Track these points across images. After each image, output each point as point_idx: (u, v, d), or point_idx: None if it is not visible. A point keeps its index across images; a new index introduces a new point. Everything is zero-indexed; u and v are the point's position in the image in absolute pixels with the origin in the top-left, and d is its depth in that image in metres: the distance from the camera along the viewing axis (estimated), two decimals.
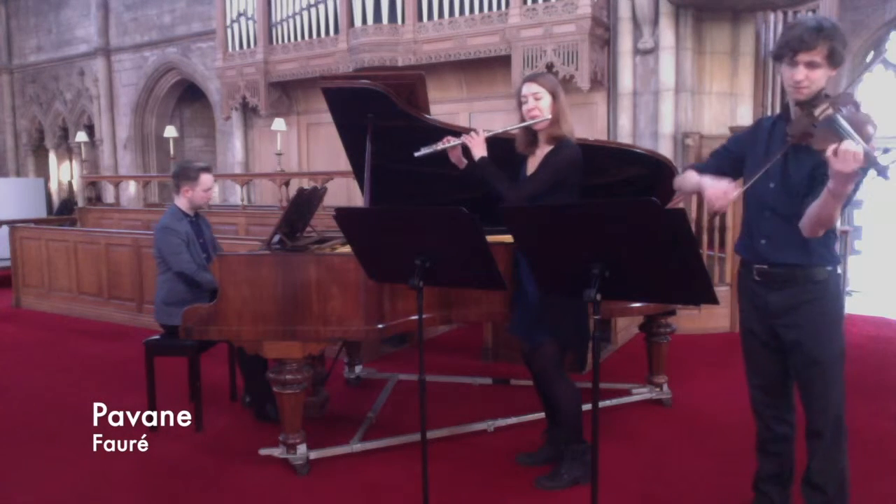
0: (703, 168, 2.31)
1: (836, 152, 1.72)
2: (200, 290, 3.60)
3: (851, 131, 1.75)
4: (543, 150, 2.80)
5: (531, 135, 2.83)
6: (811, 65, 1.96)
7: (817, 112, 1.91)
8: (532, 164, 2.83)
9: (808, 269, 2.10)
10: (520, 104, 2.80)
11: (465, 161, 2.85)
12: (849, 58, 8.39)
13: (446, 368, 4.51)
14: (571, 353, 2.89)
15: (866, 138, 1.76)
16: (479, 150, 2.78)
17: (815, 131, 1.89)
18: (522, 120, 2.79)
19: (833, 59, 1.96)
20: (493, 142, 2.84)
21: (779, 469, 2.37)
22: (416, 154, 2.80)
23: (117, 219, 8.60)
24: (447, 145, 2.79)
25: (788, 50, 1.98)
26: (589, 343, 2.83)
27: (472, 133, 2.82)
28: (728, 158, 2.28)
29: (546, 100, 2.74)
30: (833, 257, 2.13)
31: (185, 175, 3.73)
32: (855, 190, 1.89)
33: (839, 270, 2.15)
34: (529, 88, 2.76)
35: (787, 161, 2.09)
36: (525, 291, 2.80)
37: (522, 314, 2.86)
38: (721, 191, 2.09)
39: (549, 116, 2.73)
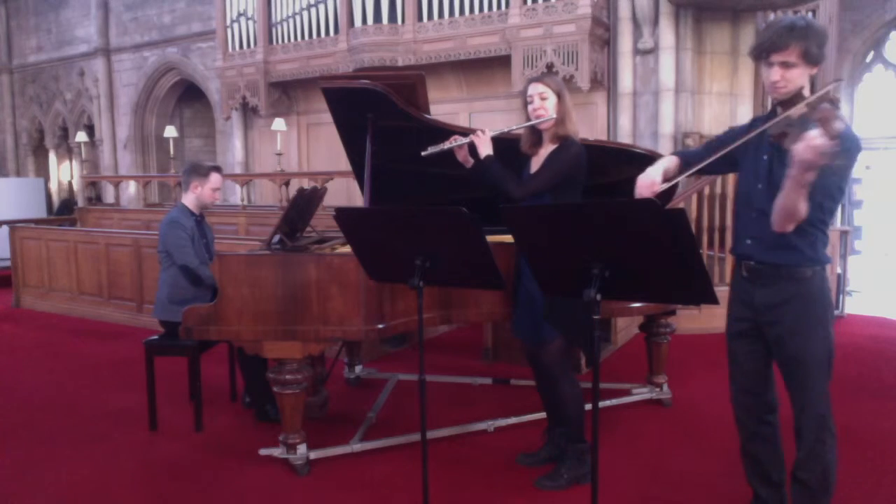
0: (686, 154, 2.39)
1: (802, 139, 1.77)
2: (204, 288, 3.61)
3: (819, 128, 1.80)
4: (547, 149, 2.82)
5: (536, 134, 2.86)
6: (785, 65, 1.99)
7: (794, 111, 1.95)
8: (536, 164, 2.85)
9: (792, 268, 2.13)
10: (525, 104, 2.83)
11: (471, 160, 2.86)
12: (848, 57, 8.42)
13: (446, 368, 4.52)
14: (581, 350, 2.89)
15: (832, 134, 1.78)
16: (485, 149, 2.80)
17: (791, 130, 1.92)
18: (528, 120, 2.82)
19: (809, 58, 1.98)
20: (497, 141, 2.85)
21: (761, 469, 2.38)
22: (423, 153, 2.80)
23: (117, 219, 8.61)
24: (454, 144, 2.81)
25: (763, 51, 2.02)
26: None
27: (479, 132, 2.83)
28: (720, 149, 2.23)
29: (551, 100, 2.77)
30: (819, 258, 2.13)
31: (196, 171, 3.75)
32: (842, 185, 1.96)
33: (827, 271, 2.17)
34: (535, 89, 2.78)
35: (773, 162, 2.13)
36: (527, 291, 2.80)
37: (525, 313, 2.85)
38: (648, 181, 2.19)
39: (555, 116, 2.76)
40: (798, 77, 2.00)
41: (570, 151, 2.75)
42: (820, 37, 1.99)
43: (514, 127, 2.89)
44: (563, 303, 2.62)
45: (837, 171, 1.94)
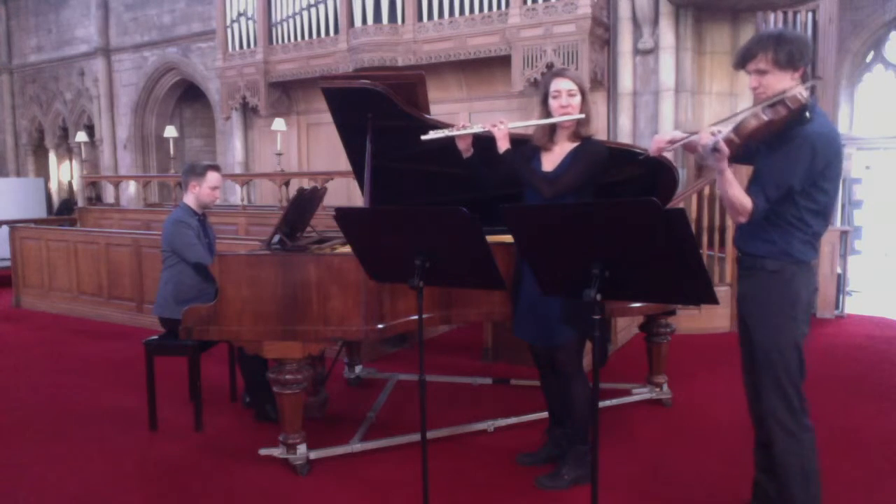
0: None
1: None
2: (209, 284, 3.60)
3: (730, 127, 2.08)
4: (564, 146, 2.78)
5: (551, 130, 2.80)
6: (759, 72, 2.16)
7: (746, 111, 2.13)
8: (549, 159, 2.79)
9: (763, 259, 2.23)
10: (545, 98, 2.76)
11: (471, 150, 2.81)
12: (848, 57, 8.42)
13: (446, 368, 4.52)
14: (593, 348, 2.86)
15: (741, 131, 2.05)
16: (505, 143, 2.74)
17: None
18: (547, 114, 2.76)
19: (779, 64, 2.12)
20: (484, 137, 2.79)
21: (770, 462, 2.38)
22: (424, 137, 2.75)
23: (117, 219, 8.61)
24: (463, 132, 2.75)
25: (738, 63, 2.22)
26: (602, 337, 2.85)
27: (498, 123, 2.76)
28: None
29: (578, 97, 2.73)
30: (792, 254, 2.19)
31: (193, 171, 3.76)
32: (821, 183, 2.12)
33: (806, 271, 2.22)
34: (565, 84, 2.72)
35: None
36: (533, 292, 2.71)
37: (531, 315, 2.80)
38: (667, 137, 2.32)
39: (583, 115, 2.72)
40: (775, 81, 2.14)
41: (596, 151, 2.73)
42: (792, 43, 2.13)
43: (537, 122, 2.80)
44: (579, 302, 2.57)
45: (786, 165, 2.10)
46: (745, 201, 2.13)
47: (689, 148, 2.31)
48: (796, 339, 2.22)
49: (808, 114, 2.08)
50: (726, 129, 2.06)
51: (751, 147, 2.23)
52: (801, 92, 2.06)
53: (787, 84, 2.13)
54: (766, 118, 2.05)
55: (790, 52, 2.11)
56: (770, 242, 2.22)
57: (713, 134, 2.06)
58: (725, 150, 2.03)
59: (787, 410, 2.23)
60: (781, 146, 2.12)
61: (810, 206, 2.15)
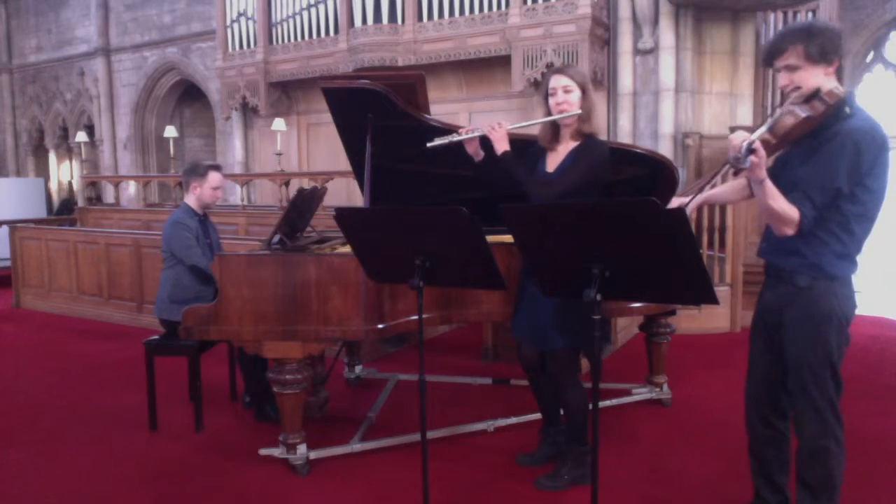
0: None
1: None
2: (207, 287, 3.60)
3: (765, 127, 1.91)
4: (567, 145, 2.71)
5: (554, 129, 2.73)
6: (789, 68, 2.02)
7: (778, 111, 2.00)
8: (552, 160, 2.73)
9: (793, 274, 2.12)
10: (546, 97, 2.70)
11: (482, 154, 2.76)
12: (848, 57, 8.42)
13: (446, 368, 4.51)
14: (587, 355, 2.83)
15: (777, 130, 1.90)
16: (502, 144, 2.68)
17: None
18: (548, 113, 2.70)
19: (811, 58, 1.98)
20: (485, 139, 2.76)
21: (767, 469, 2.38)
22: (429, 144, 2.72)
23: (117, 219, 8.61)
24: (465, 136, 2.71)
25: (766, 60, 2.10)
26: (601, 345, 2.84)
27: (495, 125, 2.70)
28: None
29: (576, 93, 2.64)
30: (824, 267, 2.07)
31: (195, 171, 3.75)
32: (867, 182, 1.98)
33: (840, 285, 2.09)
34: (559, 81, 2.65)
35: (776, 164, 2.16)
36: (535, 294, 2.69)
37: (533, 317, 2.78)
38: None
39: (580, 111, 2.65)
40: (807, 78, 1.99)
41: (597, 153, 2.64)
42: (823, 35, 1.98)
43: (534, 121, 2.75)
44: (578, 309, 2.47)
45: (828, 166, 1.95)
46: (792, 212, 1.96)
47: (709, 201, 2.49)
48: (830, 358, 2.09)
49: (847, 108, 1.96)
50: (759, 131, 1.88)
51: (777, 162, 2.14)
52: (838, 86, 1.95)
53: (820, 80, 1.98)
54: (803, 115, 1.89)
55: (822, 45, 1.97)
56: (799, 255, 2.07)
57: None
58: (762, 150, 1.83)
59: (821, 431, 2.14)
60: (820, 146, 1.98)
61: (856, 209, 2.01)
